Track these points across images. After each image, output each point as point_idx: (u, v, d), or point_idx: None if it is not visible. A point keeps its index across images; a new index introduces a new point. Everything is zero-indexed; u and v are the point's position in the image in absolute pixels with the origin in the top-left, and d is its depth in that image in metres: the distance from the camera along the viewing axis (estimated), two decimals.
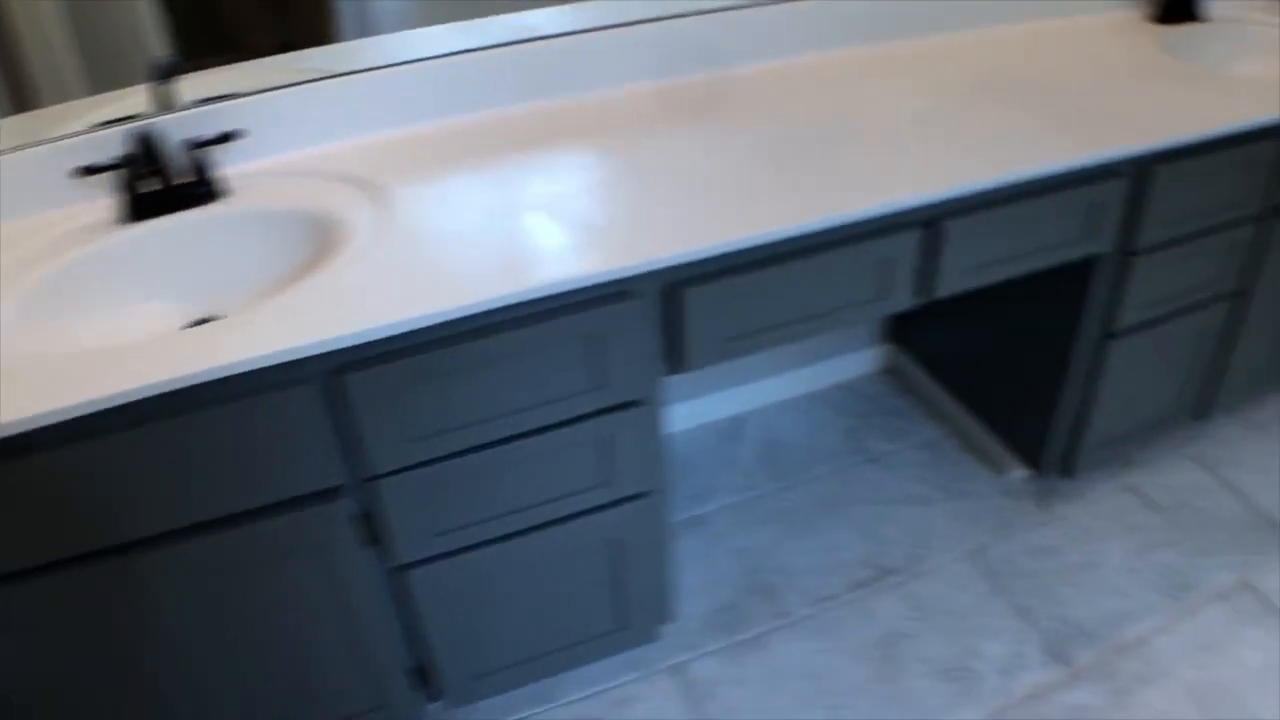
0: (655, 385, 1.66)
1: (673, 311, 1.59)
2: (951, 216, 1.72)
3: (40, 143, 1.66)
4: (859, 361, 2.80)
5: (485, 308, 1.42)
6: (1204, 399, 2.50)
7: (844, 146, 1.80)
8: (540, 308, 1.49)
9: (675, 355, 1.64)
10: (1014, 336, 2.31)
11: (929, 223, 1.72)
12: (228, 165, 1.79)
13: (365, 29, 1.87)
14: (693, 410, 2.62)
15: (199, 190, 1.70)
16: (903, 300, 1.78)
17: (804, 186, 1.67)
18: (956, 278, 1.80)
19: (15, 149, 1.65)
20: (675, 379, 2.54)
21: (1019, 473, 2.49)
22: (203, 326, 1.40)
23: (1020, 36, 2.33)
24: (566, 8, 1.99)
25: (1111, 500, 2.49)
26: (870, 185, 1.66)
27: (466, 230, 1.57)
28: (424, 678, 1.84)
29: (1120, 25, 2.44)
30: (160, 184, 1.67)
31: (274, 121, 1.81)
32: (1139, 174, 1.92)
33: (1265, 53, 2.55)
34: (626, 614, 1.94)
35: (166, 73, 1.70)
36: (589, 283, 1.47)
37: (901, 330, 2.75)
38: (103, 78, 1.71)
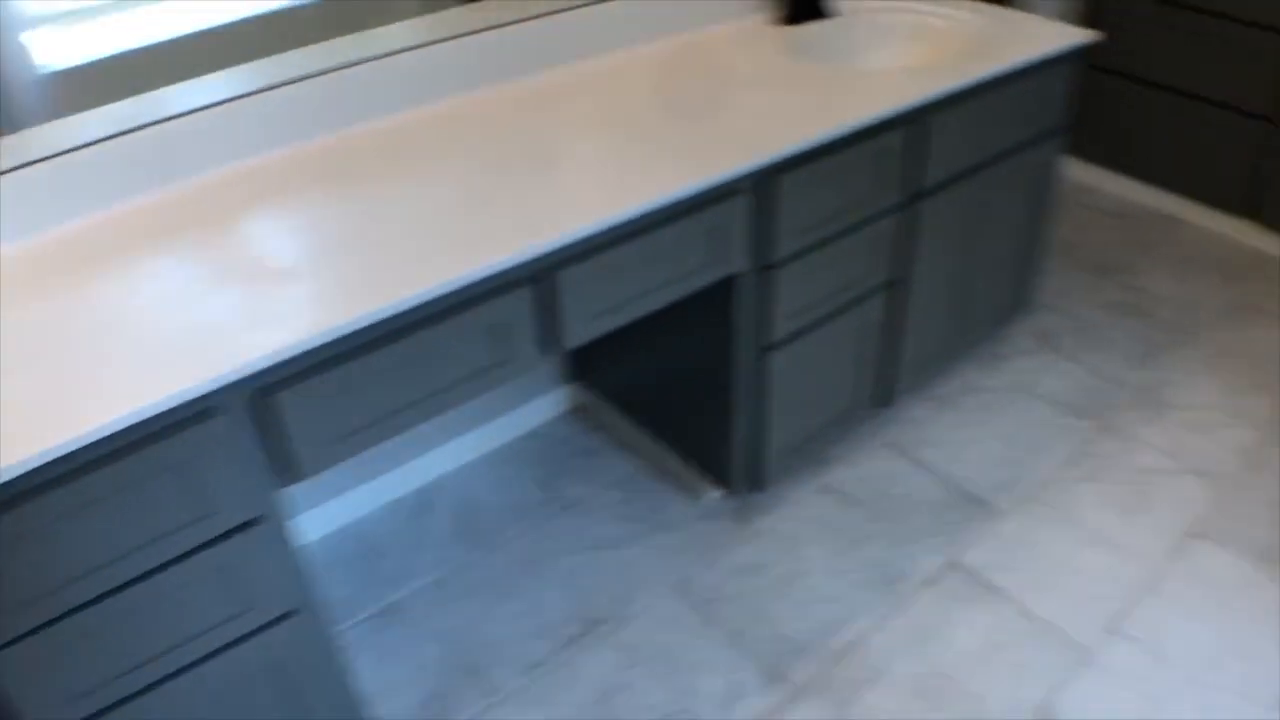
0: (272, 499, 1.53)
1: (268, 421, 1.46)
2: (563, 266, 1.65)
3: None
4: (545, 406, 2.72)
5: (36, 463, 1.26)
6: (884, 386, 2.52)
7: (449, 208, 1.70)
8: (110, 447, 1.34)
9: (284, 466, 1.51)
10: (681, 359, 2.27)
11: (538, 277, 1.64)
12: None
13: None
14: (375, 491, 2.48)
15: None
16: (530, 360, 1.70)
17: (403, 259, 1.56)
18: (582, 327, 1.73)
19: None
20: (350, 461, 2.40)
21: (714, 494, 2.45)
22: None
23: (645, 58, 2.29)
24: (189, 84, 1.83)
25: (810, 504, 2.48)
26: (469, 248, 1.57)
27: (20, 371, 1.40)
28: None
29: (747, 33, 2.42)
30: None
31: None
32: (762, 188, 1.89)
33: (893, 41, 2.58)
34: None
35: None
36: (156, 410, 1.33)
37: (583, 365, 2.68)
38: None
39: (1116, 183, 3.93)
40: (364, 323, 1.45)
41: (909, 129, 2.11)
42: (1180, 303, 3.27)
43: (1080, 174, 4.03)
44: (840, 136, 1.97)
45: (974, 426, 2.72)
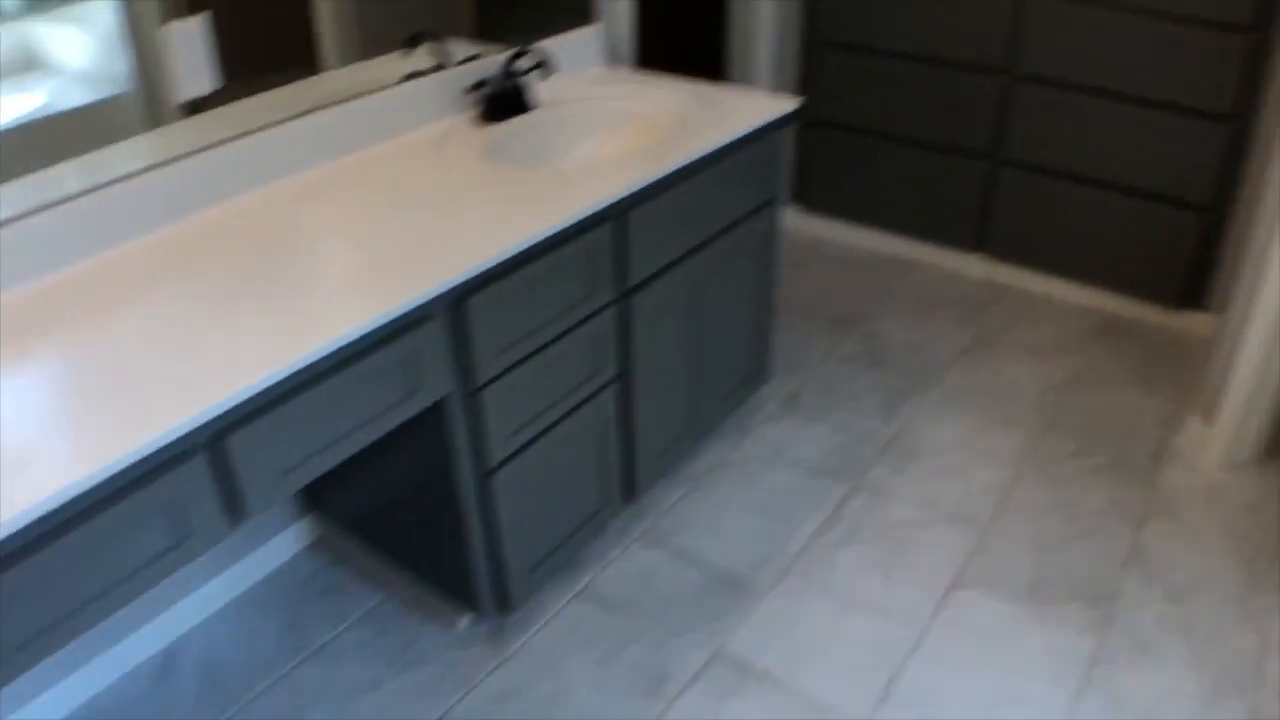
0: None
1: None
2: (235, 429, 1.52)
3: None
4: (284, 543, 2.56)
5: None
6: (628, 479, 2.46)
7: (114, 372, 1.54)
8: None
9: None
10: (408, 484, 2.16)
11: (210, 443, 1.51)
12: None
13: None
14: (113, 660, 2.26)
15: None
16: (216, 533, 1.57)
17: (60, 442, 1.40)
18: (269, 489, 1.61)
19: None
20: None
21: (465, 620, 2.34)
22: None
23: (339, 174, 2.18)
24: None
25: (567, 614, 2.40)
26: (131, 421, 1.43)
27: None
28: None
29: (448, 136, 2.35)
30: None
31: None
32: (453, 311, 1.81)
33: (598, 130, 2.56)
34: None
35: None
36: None
37: (316, 495, 2.53)
38: None
39: (849, 233, 4.02)
40: (18, 525, 1.30)
41: (613, 224, 2.08)
42: (919, 346, 3.34)
43: (812, 228, 4.11)
44: (533, 245, 1.90)
45: (728, 504, 2.70)
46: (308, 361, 1.57)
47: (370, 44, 2.33)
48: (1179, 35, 3.03)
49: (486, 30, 2.59)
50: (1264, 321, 2.58)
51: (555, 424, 2.13)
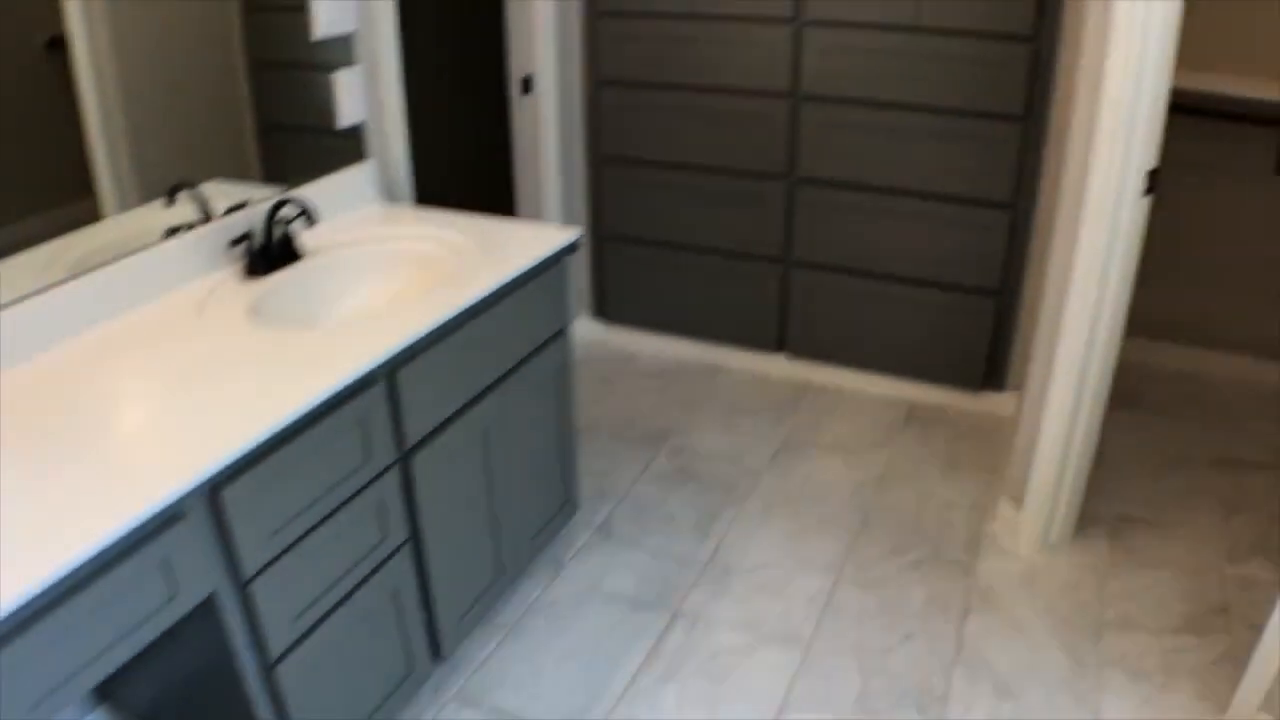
0: None
1: None
2: None
3: None
4: None
5: None
6: (434, 640, 2.34)
7: None
8: None
9: None
10: (197, 677, 1.99)
11: None
12: None
13: None
14: None
15: None
16: None
17: None
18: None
19: None
20: None
21: None
22: None
23: (84, 350, 2.02)
24: None
25: None
26: None
27: None
28: None
29: (209, 297, 2.22)
30: None
31: None
32: (209, 503, 1.67)
33: (368, 278, 2.47)
34: None
35: None
36: None
37: (107, 685, 2.31)
38: None
39: (654, 343, 4.00)
40: None
41: (385, 383, 1.98)
42: (731, 456, 3.30)
43: (617, 341, 4.07)
44: (294, 421, 1.79)
45: (544, 650, 2.58)
46: (41, 589, 1.42)
47: (149, 184, 2.22)
48: (956, 128, 3.12)
49: (270, 164, 2.49)
50: (1061, 399, 2.62)
51: (344, 600, 2.00)
